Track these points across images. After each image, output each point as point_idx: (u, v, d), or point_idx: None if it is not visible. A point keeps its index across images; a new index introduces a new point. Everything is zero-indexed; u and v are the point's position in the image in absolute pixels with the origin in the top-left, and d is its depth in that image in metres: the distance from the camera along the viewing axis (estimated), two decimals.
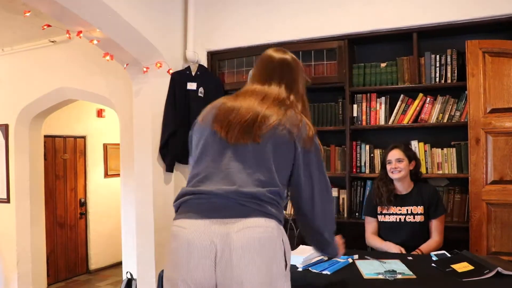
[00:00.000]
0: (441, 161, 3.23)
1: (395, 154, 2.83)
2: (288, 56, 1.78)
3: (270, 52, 1.80)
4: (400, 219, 2.79)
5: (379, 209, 2.87)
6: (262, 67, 1.77)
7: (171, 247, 1.47)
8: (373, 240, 2.87)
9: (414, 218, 2.76)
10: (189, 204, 1.50)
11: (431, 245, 2.67)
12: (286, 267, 1.49)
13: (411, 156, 2.85)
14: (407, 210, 2.78)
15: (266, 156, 1.51)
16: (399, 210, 2.80)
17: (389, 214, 2.82)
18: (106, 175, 6.34)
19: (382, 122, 3.38)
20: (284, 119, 1.56)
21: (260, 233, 1.42)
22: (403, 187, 2.84)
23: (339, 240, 1.86)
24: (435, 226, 2.74)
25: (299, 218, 1.65)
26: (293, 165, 1.58)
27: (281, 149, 1.54)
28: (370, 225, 2.92)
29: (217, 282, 1.40)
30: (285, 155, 1.55)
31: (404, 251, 2.61)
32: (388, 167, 2.84)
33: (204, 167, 1.54)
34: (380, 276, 2.01)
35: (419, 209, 2.76)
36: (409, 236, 2.74)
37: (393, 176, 2.81)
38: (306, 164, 1.58)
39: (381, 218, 2.86)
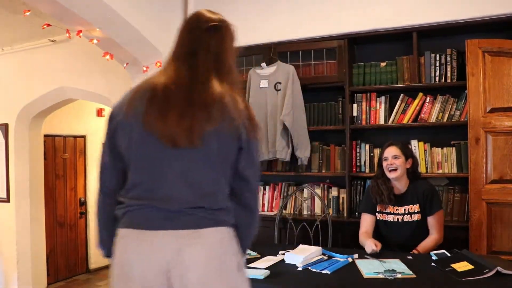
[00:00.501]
0: (441, 160, 3.23)
1: (391, 151, 2.75)
2: (217, 17, 1.51)
3: (197, 13, 1.52)
4: (398, 219, 2.74)
5: (378, 207, 2.82)
6: (186, 33, 1.48)
7: (120, 260, 1.35)
8: (364, 239, 2.72)
9: (411, 217, 2.72)
10: (137, 214, 1.35)
11: (428, 243, 2.63)
12: (241, 270, 1.42)
13: (408, 154, 2.78)
14: (404, 209, 2.73)
15: (211, 159, 1.36)
16: (396, 210, 2.75)
17: (388, 213, 2.78)
18: None
19: (382, 121, 3.39)
20: (226, 108, 1.36)
21: (213, 245, 1.34)
22: (400, 186, 2.78)
23: None
24: (431, 223, 2.69)
25: (238, 213, 1.44)
26: (238, 158, 1.41)
27: (227, 146, 1.37)
28: (366, 222, 2.83)
29: None
30: (230, 151, 1.39)
31: (379, 247, 2.51)
32: (384, 164, 2.76)
33: (146, 176, 1.35)
34: (380, 276, 2.01)
35: (415, 207, 2.72)
36: (409, 236, 2.70)
37: (390, 175, 2.74)
38: (251, 155, 1.43)
39: (379, 216, 2.81)
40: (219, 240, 1.36)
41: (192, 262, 1.30)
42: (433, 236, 2.67)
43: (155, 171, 1.35)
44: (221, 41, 1.48)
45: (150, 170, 1.35)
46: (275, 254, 2.45)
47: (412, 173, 2.81)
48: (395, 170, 2.72)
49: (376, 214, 2.83)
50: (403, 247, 2.67)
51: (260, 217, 1.56)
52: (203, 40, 1.45)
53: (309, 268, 2.19)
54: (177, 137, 1.31)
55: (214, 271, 1.32)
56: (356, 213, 3.46)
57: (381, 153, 2.85)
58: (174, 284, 1.30)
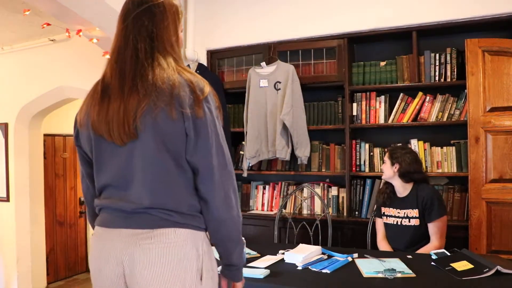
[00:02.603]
0: (440, 160, 3.23)
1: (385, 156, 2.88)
2: None
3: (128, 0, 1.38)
4: (397, 222, 2.73)
5: (382, 209, 2.84)
6: (121, 15, 1.36)
7: (89, 255, 1.38)
8: (383, 248, 2.79)
9: (409, 221, 2.69)
10: (104, 213, 1.35)
11: (427, 251, 2.57)
12: (202, 278, 1.29)
13: (393, 159, 2.77)
14: (404, 213, 2.72)
15: (157, 152, 1.25)
16: (398, 212, 2.75)
17: (390, 216, 2.78)
18: None
19: (381, 120, 3.38)
20: (161, 89, 1.23)
21: (168, 247, 1.24)
22: (399, 188, 2.78)
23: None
24: (432, 230, 2.65)
25: (202, 210, 1.33)
26: (186, 142, 1.26)
27: (170, 133, 1.24)
28: (380, 226, 2.87)
29: None
30: (176, 138, 1.25)
31: None
32: None
33: (107, 177, 1.32)
34: (380, 275, 2.01)
35: (414, 212, 2.68)
36: (406, 241, 2.68)
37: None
38: (199, 137, 1.25)
39: (384, 219, 2.83)
40: (176, 243, 1.25)
41: (142, 263, 1.24)
42: (433, 244, 2.61)
43: (113, 171, 1.30)
44: (156, 19, 1.34)
45: (109, 170, 1.31)
46: (275, 254, 2.45)
47: (403, 175, 2.73)
48: (383, 173, 2.83)
49: (382, 217, 2.84)
50: (400, 252, 2.66)
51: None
52: (135, 23, 1.33)
53: (309, 267, 2.19)
54: (116, 133, 1.25)
55: (166, 274, 1.24)
56: (356, 213, 3.46)
57: None
58: (129, 284, 1.27)
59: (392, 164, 2.76)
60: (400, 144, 2.92)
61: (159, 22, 1.34)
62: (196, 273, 1.28)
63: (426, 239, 2.66)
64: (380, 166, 3.33)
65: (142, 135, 1.24)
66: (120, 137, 1.25)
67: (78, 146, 1.41)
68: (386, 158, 2.82)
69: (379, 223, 2.88)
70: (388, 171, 2.77)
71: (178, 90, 1.24)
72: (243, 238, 1.41)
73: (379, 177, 3.32)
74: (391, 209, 2.78)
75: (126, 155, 1.27)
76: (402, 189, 2.76)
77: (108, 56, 1.38)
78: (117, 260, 1.27)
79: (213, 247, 1.40)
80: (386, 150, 3.05)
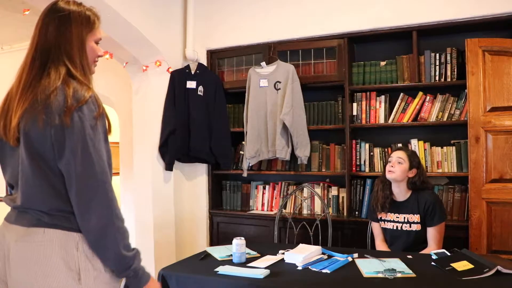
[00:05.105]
0: (440, 159, 3.23)
1: (397, 154, 2.70)
2: (62, 5, 1.40)
3: (48, 6, 1.42)
4: (397, 227, 2.69)
5: (378, 214, 2.78)
6: (37, 21, 1.42)
7: None
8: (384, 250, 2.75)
9: (410, 226, 2.65)
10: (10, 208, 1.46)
11: None
12: (81, 278, 1.30)
13: (413, 162, 2.68)
14: (404, 218, 2.68)
15: (29, 157, 1.30)
16: (396, 217, 2.70)
17: (388, 221, 2.74)
18: None
19: (381, 120, 3.38)
20: (34, 99, 1.29)
21: (39, 246, 1.29)
22: (399, 193, 2.71)
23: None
24: (430, 234, 2.60)
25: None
26: (53, 150, 1.28)
27: (38, 140, 1.29)
28: (377, 230, 2.83)
29: None
30: (45, 145, 1.29)
31: None
32: (388, 165, 2.72)
33: (6, 175, 1.46)
34: (380, 275, 2.01)
35: (416, 217, 2.64)
36: (405, 245, 2.65)
37: (387, 175, 2.69)
38: (66, 146, 1.27)
39: (381, 224, 2.78)
40: (42, 242, 1.29)
41: (14, 258, 1.31)
42: (431, 248, 2.58)
43: (9, 172, 1.43)
44: (59, 29, 1.37)
45: (7, 170, 1.44)
46: (275, 254, 2.45)
47: (412, 183, 2.68)
48: (393, 172, 2.67)
49: (380, 222, 2.80)
50: None
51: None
52: (40, 32, 1.38)
53: (309, 267, 2.19)
54: (8, 136, 1.35)
55: (34, 272, 1.28)
56: (356, 212, 3.46)
57: (389, 155, 2.80)
58: (7, 277, 1.34)
59: (411, 168, 2.67)
60: (404, 146, 2.83)
61: (61, 32, 1.37)
62: (66, 273, 1.29)
63: (425, 243, 2.64)
64: (381, 166, 3.34)
65: (20, 141, 1.33)
66: (11, 141, 1.35)
67: None
68: (403, 159, 2.66)
69: (377, 228, 2.83)
70: (403, 173, 2.66)
71: (52, 100, 1.27)
72: (125, 252, 1.37)
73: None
74: (389, 214, 2.73)
75: (16, 158, 1.37)
76: (403, 193, 2.71)
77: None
78: (2, 253, 1.36)
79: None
80: (389, 149, 2.95)
